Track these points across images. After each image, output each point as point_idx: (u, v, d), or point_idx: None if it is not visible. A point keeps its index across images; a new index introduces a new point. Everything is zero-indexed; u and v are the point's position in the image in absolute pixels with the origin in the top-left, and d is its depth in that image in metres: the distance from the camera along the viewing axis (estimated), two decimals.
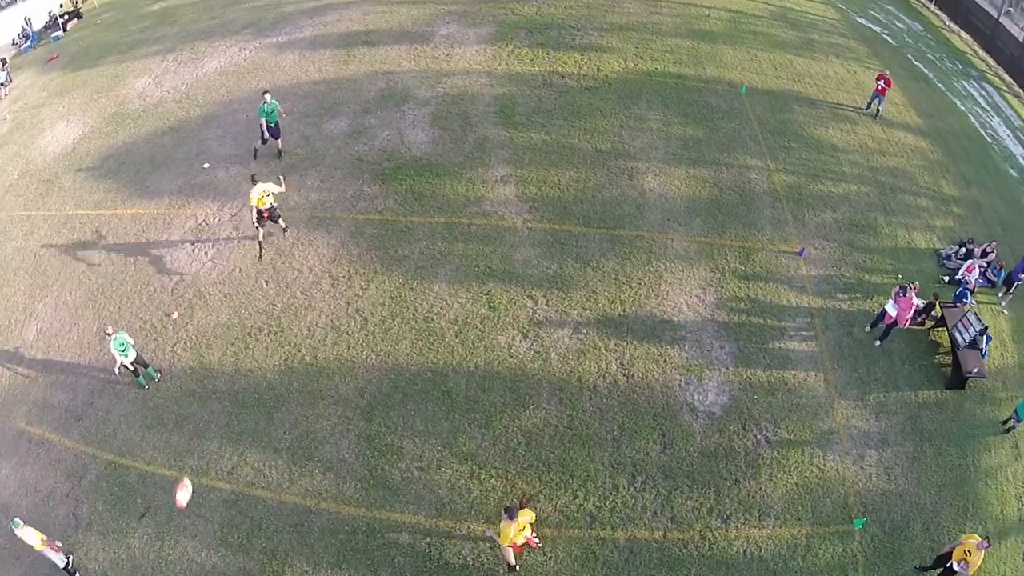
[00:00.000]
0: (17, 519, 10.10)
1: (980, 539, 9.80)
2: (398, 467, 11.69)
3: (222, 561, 10.74)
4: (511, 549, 9.93)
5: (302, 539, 10.93)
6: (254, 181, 14.38)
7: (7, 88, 21.97)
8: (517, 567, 10.42)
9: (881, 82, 18.42)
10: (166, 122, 18.99)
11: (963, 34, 24.83)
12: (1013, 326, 14.27)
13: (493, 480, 11.55)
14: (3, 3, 26.97)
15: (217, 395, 12.71)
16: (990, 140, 19.51)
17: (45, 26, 26.43)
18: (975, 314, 13.20)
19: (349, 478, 11.57)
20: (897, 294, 12.71)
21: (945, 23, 25.65)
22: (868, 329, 13.61)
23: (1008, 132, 20.01)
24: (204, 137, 18.26)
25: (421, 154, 17.34)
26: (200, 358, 13.28)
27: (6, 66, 22.43)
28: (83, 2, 27.66)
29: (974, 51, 23.98)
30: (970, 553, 9.77)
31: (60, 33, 25.67)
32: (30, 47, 25.29)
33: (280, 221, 15.05)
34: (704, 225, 15.68)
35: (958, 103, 20.89)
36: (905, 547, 10.98)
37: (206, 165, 17.32)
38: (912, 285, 12.72)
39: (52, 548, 10.35)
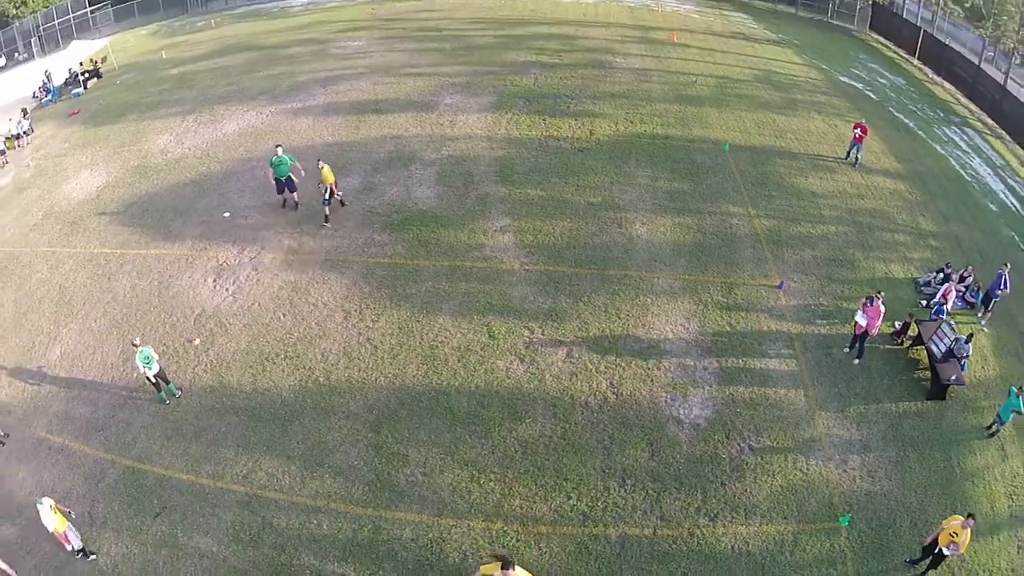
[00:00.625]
0: (45, 498, 11.46)
1: (963, 519, 10.73)
2: (403, 472, 13.16)
3: (232, 555, 12.03)
4: None
5: (310, 535, 12.26)
6: (321, 163, 18.83)
7: (29, 137, 24.67)
8: None
9: (858, 131, 20.88)
10: (187, 175, 21.62)
11: (946, 85, 27.59)
12: (993, 342, 15.93)
13: (492, 483, 12.97)
14: (22, 57, 30.24)
15: (235, 410, 14.36)
16: (969, 179, 21.81)
17: (65, 82, 29.47)
18: (949, 325, 14.72)
19: (357, 482, 13.02)
20: (865, 304, 14.46)
21: (929, 76, 28.52)
22: (847, 349, 15.28)
23: (989, 171, 22.34)
24: (224, 190, 20.78)
25: (427, 208, 19.76)
26: (219, 378, 15.03)
27: (28, 116, 25.14)
28: (103, 62, 30.88)
29: (956, 99, 26.81)
30: (956, 534, 10.72)
31: (80, 90, 28.63)
32: (51, 101, 28.19)
33: (337, 197, 19.24)
34: (688, 265, 17.72)
35: (938, 148, 23.41)
36: (893, 542, 12.12)
37: (226, 214, 19.71)
38: (879, 295, 14.49)
39: (64, 540, 11.63)
